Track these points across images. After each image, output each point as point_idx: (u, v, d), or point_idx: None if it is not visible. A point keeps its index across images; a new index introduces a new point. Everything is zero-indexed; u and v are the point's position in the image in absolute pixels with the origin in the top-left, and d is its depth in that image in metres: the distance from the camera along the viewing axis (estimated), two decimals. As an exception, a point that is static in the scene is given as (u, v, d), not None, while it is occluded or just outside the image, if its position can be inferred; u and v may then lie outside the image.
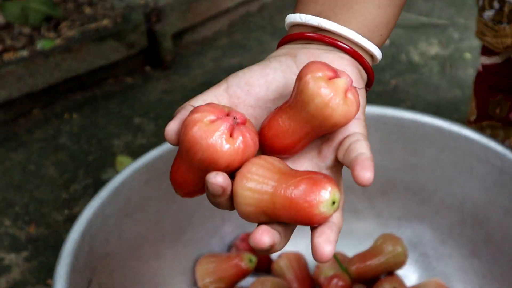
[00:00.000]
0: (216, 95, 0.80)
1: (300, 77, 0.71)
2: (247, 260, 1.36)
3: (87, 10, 2.20)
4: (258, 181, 0.71)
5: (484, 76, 1.46)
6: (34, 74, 1.97)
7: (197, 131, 0.70)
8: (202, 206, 1.27)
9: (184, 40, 2.22)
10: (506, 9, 1.32)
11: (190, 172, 0.76)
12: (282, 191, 0.68)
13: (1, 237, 1.70)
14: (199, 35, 2.28)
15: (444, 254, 1.43)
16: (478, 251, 1.38)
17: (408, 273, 1.41)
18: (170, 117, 1.59)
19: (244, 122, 0.73)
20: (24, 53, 2.07)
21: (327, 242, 0.68)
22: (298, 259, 1.45)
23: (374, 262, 1.33)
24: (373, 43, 0.84)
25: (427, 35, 2.31)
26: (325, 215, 0.67)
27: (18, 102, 1.96)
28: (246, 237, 1.48)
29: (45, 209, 1.72)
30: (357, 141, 0.73)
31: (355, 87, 0.72)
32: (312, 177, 0.69)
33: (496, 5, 1.35)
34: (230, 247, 1.46)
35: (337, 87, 0.70)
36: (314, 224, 0.69)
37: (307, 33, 0.84)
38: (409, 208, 1.45)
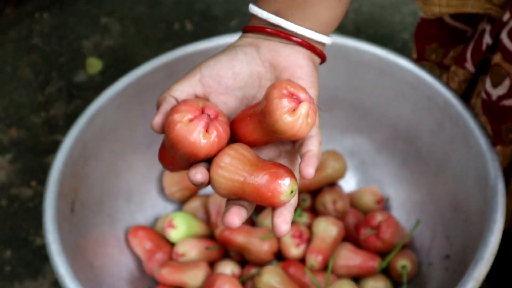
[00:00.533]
0: (192, 84, 0.94)
1: (269, 96, 0.85)
2: None
3: None
4: (231, 171, 0.86)
5: (422, 26, 1.57)
6: None
7: (179, 130, 0.85)
8: None
9: None
10: None
11: (175, 159, 0.92)
12: (251, 182, 0.84)
13: None
14: None
15: (379, 163, 1.58)
16: (408, 162, 1.54)
17: (348, 179, 1.57)
18: (135, 18, 1.91)
19: (216, 117, 0.87)
20: None
21: (284, 222, 0.84)
22: None
23: (317, 176, 1.48)
24: (326, 35, 0.98)
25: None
26: (284, 202, 0.83)
27: None
28: None
29: (24, 112, 1.81)
30: (310, 137, 0.88)
31: (314, 105, 0.86)
32: (275, 171, 0.84)
33: None
34: None
35: (299, 116, 0.84)
36: (275, 208, 0.84)
37: (267, 28, 0.97)
38: (350, 122, 1.59)
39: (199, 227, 1.53)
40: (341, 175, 1.51)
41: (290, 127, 0.86)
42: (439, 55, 1.58)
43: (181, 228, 1.50)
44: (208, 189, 1.48)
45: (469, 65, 1.48)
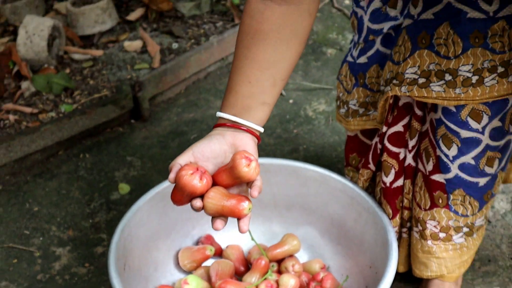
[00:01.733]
0: (188, 156, 1.38)
1: (234, 159, 1.34)
2: (209, 250, 1.89)
3: (91, 82, 2.52)
4: (215, 199, 1.34)
5: (347, 141, 2.02)
6: (61, 129, 2.35)
7: (185, 179, 1.33)
8: (181, 220, 1.93)
9: (156, 101, 2.55)
10: (350, 110, 1.92)
11: (182, 197, 1.38)
12: (227, 205, 1.33)
13: (52, 237, 2.10)
14: (166, 97, 2.61)
15: (322, 243, 1.98)
16: (340, 241, 1.94)
17: (302, 255, 1.96)
18: (152, 156, 2.42)
19: (205, 172, 1.35)
20: (53, 114, 2.44)
21: (245, 225, 1.33)
22: (238, 248, 1.96)
23: (281, 249, 1.89)
24: (261, 126, 1.45)
25: (318, 96, 2.65)
26: (246, 214, 1.32)
27: (50, 147, 2.35)
28: (208, 237, 1.99)
29: (77, 219, 2.14)
30: (256, 179, 1.35)
31: (258, 163, 1.35)
32: (239, 198, 1.33)
33: (345, 107, 1.94)
34: (197, 242, 1.99)
35: (250, 169, 1.33)
36: (240, 218, 1.33)
37: (228, 124, 1.43)
38: (302, 217, 2.01)
39: (204, 285, 1.83)
40: (297, 249, 1.90)
41: (247, 174, 1.34)
42: (356, 161, 2.00)
43: (192, 284, 1.79)
44: (208, 262, 1.87)
45: (371, 166, 1.85)
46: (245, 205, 1.34)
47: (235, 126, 1.42)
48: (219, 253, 1.91)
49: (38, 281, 1.98)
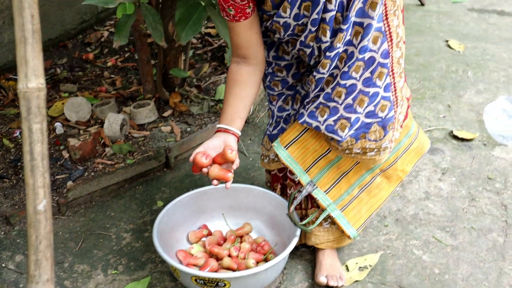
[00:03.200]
0: (200, 149, 1.57)
1: (224, 149, 1.55)
2: (204, 231, 2.02)
3: (143, 148, 2.64)
4: (214, 169, 1.56)
5: (272, 176, 2.00)
6: (126, 172, 2.47)
7: (197, 157, 1.56)
8: (190, 217, 2.03)
9: (178, 158, 2.60)
10: (270, 159, 1.89)
11: (196, 168, 1.58)
12: (220, 173, 1.56)
13: (121, 228, 2.23)
14: (183, 157, 2.63)
15: (263, 227, 2.08)
16: (273, 226, 2.04)
17: (253, 234, 2.07)
18: (174, 187, 2.47)
19: (208, 155, 1.56)
20: (122, 164, 2.50)
21: (229, 184, 1.59)
22: (220, 231, 2.06)
23: (242, 230, 2.02)
24: (239, 132, 1.62)
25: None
26: (229, 179, 1.56)
27: (120, 182, 2.45)
28: (204, 226, 2.06)
29: (135, 219, 2.30)
30: (236, 159, 1.55)
31: (237, 152, 1.55)
32: (227, 170, 1.57)
33: (267, 158, 1.91)
34: (199, 228, 2.06)
35: (232, 154, 1.54)
36: (227, 181, 1.57)
37: (222, 130, 1.61)
38: (253, 214, 2.06)
39: (201, 249, 1.99)
40: (250, 230, 2.05)
41: (231, 157, 1.54)
42: (277, 185, 2.02)
43: (195, 248, 1.98)
44: (204, 238, 2.01)
45: (280, 185, 1.97)
46: (230, 174, 1.59)
47: (226, 131, 1.62)
48: (210, 234, 2.05)
49: (114, 250, 2.13)
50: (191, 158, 1.57)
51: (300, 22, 1.52)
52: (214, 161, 1.60)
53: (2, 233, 2.22)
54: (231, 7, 1.50)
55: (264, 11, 1.59)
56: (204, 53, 3.51)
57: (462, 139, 2.78)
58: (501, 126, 2.82)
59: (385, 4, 1.46)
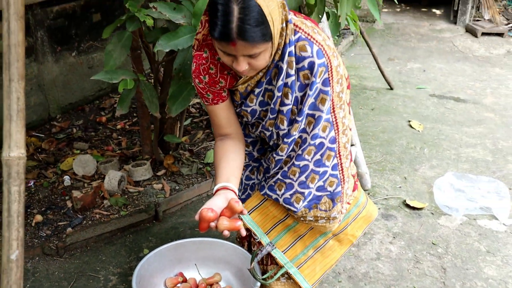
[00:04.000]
0: (206, 205, 1.40)
1: (231, 202, 1.38)
2: (180, 278, 1.93)
3: (136, 202, 2.64)
4: (223, 221, 1.37)
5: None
6: (119, 222, 2.48)
7: (204, 213, 1.36)
8: (167, 266, 1.93)
9: (166, 212, 2.62)
10: None
11: (204, 224, 1.38)
12: (230, 223, 1.37)
13: (109, 270, 2.26)
14: (171, 211, 2.65)
15: (231, 277, 1.96)
16: (239, 276, 1.94)
17: (222, 283, 1.97)
18: (161, 237, 2.45)
19: (213, 210, 1.38)
20: (116, 215, 2.51)
21: (243, 231, 1.38)
22: (193, 279, 1.96)
23: (212, 279, 1.93)
24: (237, 188, 1.48)
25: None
26: (239, 227, 1.37)
27: (113, 230, 2.44)
28: (180, 273, 1.96)
29: (122, 263, 2.30)
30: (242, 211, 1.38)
31: (240, 201, 1.38)
32: (235, 219, 1.38)
33: None
34: (175, 275, 1.96)
35: (239, 206, 1.37)
36: (237, 229, 1.37)
37: (221, 188, 1.45)
38: (223, 264, 1.97)
39: None
40: (220, 280, 1.93)
41: (238, 208, 1.39)
42: (243, 243, 1.99)
43: None
44: (179, 285, 1.98)
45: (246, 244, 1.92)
46: (239, 223, 1.44)
47: (225, 188, 1.49)
48: (185, 280, 1.98)
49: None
50: (197, 216, 1.43)
51: (264, 108, 1.55)
52: (221, 215, 1.48)
53: None
54: (209, 93, 1.53)
55: (233, 101, 1.62)
56: (200, 121, 3.57)
57: (414, 208, 2.80)
58: (447, 198, 2.84)
59: (332, 100, 1.50)
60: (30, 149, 3.23)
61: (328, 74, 1.43)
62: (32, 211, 2.60)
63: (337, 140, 1.56)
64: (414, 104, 4.21)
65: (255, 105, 1.54)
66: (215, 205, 1.44)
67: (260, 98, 1.53)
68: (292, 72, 1.41)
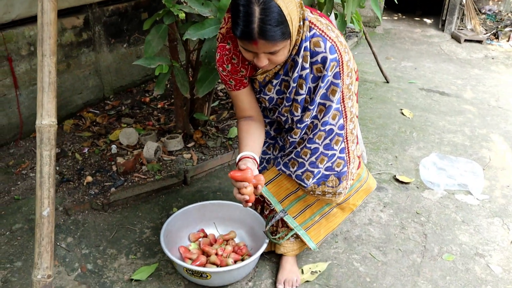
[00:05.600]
0: (239, 166, 1.26)
1: (258, 176, 1.24)
2: (201, 234, 1.90)
3: (169, 168, 2.45)
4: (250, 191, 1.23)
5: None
6: (153, 185, 2.29)
7: (246, 175, 1.23)
8: (191, 223, 1.90)
9: (193, 178, 2.42)
10: None
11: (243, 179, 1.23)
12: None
13: (144, 225, 2.09)
14: (197, 177, 2.45)
15: (244, 235, 1.93)
16: (251, 234, 1.91)
17: (236, 239, 1.96)
18: (188, 199, 2.30)
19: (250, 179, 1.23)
20: (152, 179, 2.33)
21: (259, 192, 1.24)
22: (213, 235, 1.92)
23: (228, 236, 1.91)
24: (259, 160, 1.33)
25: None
26: (260, 191, 1.22)
27: (149, 192, 2.26)
28: (201, 230, 1.94)
29: (155, 219, 2.13)
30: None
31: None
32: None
33: None
34: (197, 231, 1.95)
35: (261, 179, 1.25)
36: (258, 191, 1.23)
37: (246, 157, 1.30)
38: (238, 224, 1.94)
39: (197, 247, 1.89)
40: (235, 236, 1.91)
41: (262, 182, 1.26)
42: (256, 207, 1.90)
43: (192, 245, 1.90)
44: (201, 239, 1.98)
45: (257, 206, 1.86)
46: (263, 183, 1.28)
47: (248, 157, 1.32)
48: (205, 236, 1.95)
49: (136, 241, 2.01)
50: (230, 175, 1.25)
51: (281, 97, 1.44)
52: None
53: (62, 220, 2.13)
54: (231, 80, 1.40)
55: (253, 87, 1.50)
56: (226, 103, 3.40)
57: (402, 182, 2.64)
58: (431, 175, 2.67)
59: (342, 91, 1.38)
60: (86, 123, 3.12)
61: (339, 68, 1.31)
62: (84, 173, 2.47)
63: (345, 127, 1.45)
64: (406, 96, 3.99)
65: (273, 93, 1.42)
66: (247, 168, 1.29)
67: (277, 87, 1.41)
68: (307, 65, 1.30)
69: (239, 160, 1.33)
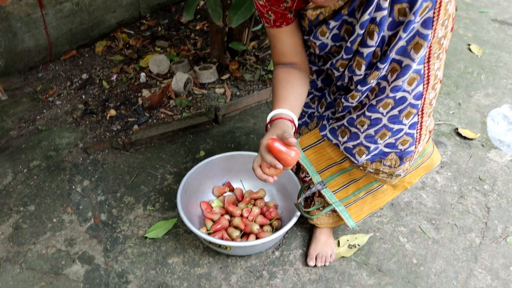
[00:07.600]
0: (271, 134, 0.91)
1: (290, 140, 0.88)
2: (226, 189, 1.66)
3: (199, 104, 2.14)
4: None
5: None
6: (181, 123, 2.02)
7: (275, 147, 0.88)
8: (217, 174, 1.62)
9: (225, 116, 2.15)
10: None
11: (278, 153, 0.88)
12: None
13: (167, 169, 1.83)
14: (230, 115, 2.17)
15: (275, 194, 1.66)
16: (284, 194, 1.63)
17: (266, 198, 1.67)
18: (218, 140, 1.89)
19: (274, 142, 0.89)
20: (179, 116, 2.06)
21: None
22: (240, 190, 1.66)
23: (256, 195, 1.64)
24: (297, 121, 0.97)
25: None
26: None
27: (175, 130, 2.00)
28: (228, 183, 1.68)
29: (179, 163, 1.86)
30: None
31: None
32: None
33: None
34: (223, 184, 1.68)
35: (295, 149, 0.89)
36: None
37: (282, 118, 0.95)
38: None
39: (220, 204, 1.63)
40: (264, 195, 1.65)
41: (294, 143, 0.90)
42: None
43: (215, 202, 1.63)
44: (226, 194, 1.59)
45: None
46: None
47: (284, 118, 0.97)
48: (232, 190, 1.70)
49: (156, 189, 1.77)
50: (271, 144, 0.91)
51: (338, 44, 1.02)
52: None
53: (81, 159, 1.89)
54: (270, 12, 0.99)
55: (301, 25, 1.07)
56: (269, 28, 2.85)
57: (465, 137, 2.12)
58: (500, 131, 2.13)
59: (430, 47, 0.94)
60: (119, 45, 2.75)
61: (434, 13, 0.87)
62: (109, 104, 2.17)
63: (423, 96, 1.02)
64: (475, 28, 3.25)
65: (327, 38, 1.01)
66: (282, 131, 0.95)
67: (335, 31, 0.99)
68: (386, 4, 0.88)
69: (272, 120, 0.97)
